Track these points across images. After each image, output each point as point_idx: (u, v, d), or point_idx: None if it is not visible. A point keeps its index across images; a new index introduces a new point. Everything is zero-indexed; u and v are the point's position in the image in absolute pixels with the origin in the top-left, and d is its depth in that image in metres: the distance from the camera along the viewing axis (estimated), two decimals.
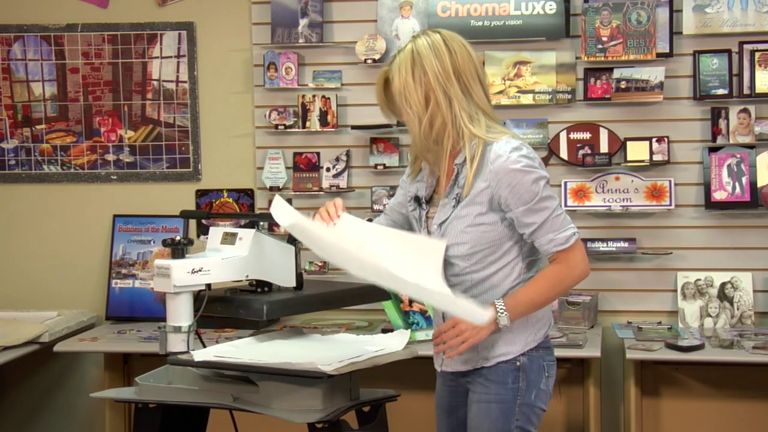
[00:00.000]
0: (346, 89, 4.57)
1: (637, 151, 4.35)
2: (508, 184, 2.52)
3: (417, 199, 2.73)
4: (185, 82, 4.70)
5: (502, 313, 2.54)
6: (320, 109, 4.55)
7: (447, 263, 2.65)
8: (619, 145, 4.39)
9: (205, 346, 2.99)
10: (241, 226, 3.31)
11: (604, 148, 4.39)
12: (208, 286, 2.90)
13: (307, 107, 4.56)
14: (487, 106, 2.62)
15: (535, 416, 2.66)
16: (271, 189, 4.60)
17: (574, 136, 4.42)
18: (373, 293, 3.31)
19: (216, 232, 3.03)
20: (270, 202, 4.58)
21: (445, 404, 2.83)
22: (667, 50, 4.33)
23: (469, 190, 2.58)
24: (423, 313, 4.12)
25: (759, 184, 4.28)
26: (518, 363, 2.63)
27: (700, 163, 4.35)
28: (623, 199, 4.38)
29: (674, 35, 4.33)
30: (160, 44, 4.70)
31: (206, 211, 4.58)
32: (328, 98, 4.54)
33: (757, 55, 4.25)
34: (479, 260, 2.62)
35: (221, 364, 2.84)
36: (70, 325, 4.45)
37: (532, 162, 2.56)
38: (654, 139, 4.34)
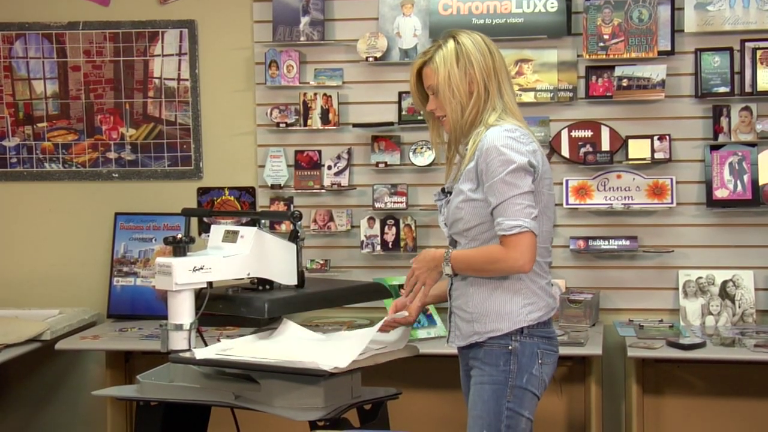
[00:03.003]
0: (347, 87, 4.56)
1: (639, 149, 4.35)
2: (485, 159, 2.66)
3: (443, 190, 2.87)
4: (187, 80, 4.69)
5: (447, 262, 2.72)
6: (322, 107, 4.55)
7: (453, 241, 2.81)
8: (620, 143, 4.39)
9: (206, 344, 3.00)
10: (242, 224, 3.32)
11: (605, 146, 4.39)
12: (210, 284, 2.90)
13: (309, 105, 4.56)
14: (513, 104, 2.80)
15: (527, 401, 2.72)
16: (273, 187, 4.60)
17: (575, 134, 4.42)
18: (374, 291, 3.31)
19: (217, 230, 3.03)
20: (272, 200, 4.60)
21: (463, 387, 2.91)
22: (669, 48, 4.33)
23: (464, 168, 2.73)
24: (424, 311, 4.12)
25: (760, 182, 4.28)
26: (510, 347, 2.71)
27: (701, 161, 4.34)
28: (625, 197, 4.38)
29: (676, 33, 4.33)
30: (162, 42, 4.70)
31: (208, 209, 4.58)
32: (330, 96, 4.54)
33: (758, 53, 4.25)
34: (475, 236, 2.73)
35: (223, 362, 2.84)
36: (72, 323, 4.46)
37: (515, 144, 2.65)
38: (655, 137, 4.34)
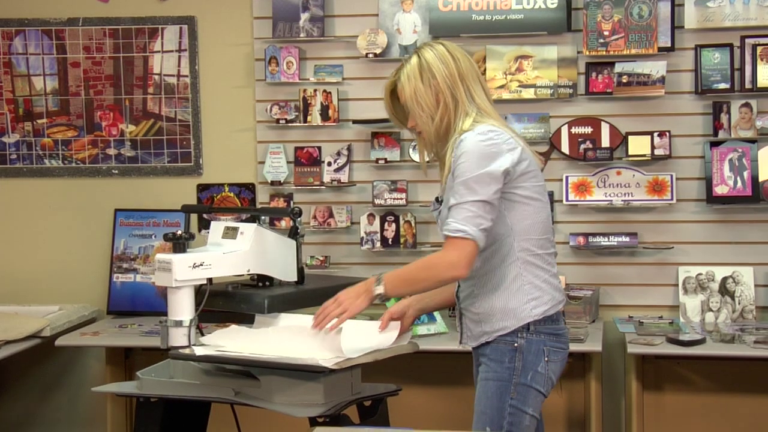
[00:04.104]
0: (347, 83, 4.56)
1: (639, 146, 4.35)
2: (456, 163, 2.66)
3: (437, 200, 2.85)
4: (186, 76, 4.69)
5: (378, 282, 2.70)
6: (321, 103, 4.55)
7: None
8: (620, 140, 4.39)
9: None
10: (242, 221, 3.32)
11: (605, 142, 4.39)
12: (210, 280, 2.90)
13: (309, 101, 4.55)
14: (486, 105, 2.78)
15: (532, 398, 2.71)
16: (273, 183, 4.60)
17: (575, 130, 4.42)
18: None
19: (217, 227, 3.03)
20: (272, 196, 4.60)
21: (475, 384, 2.89)
22: (669, 44, 4.32)
23: (445, 177, 2.72)
24: None
25: (760, 179, 4.28)
26: (516, 344, 2.70)
27: (701, 158, 4.34)
28: (624, 194, 4.38)
29: (676, 29, 4.32)
30: (162, 38, 4.70)
31: (207, 205, 4.58)
32: (330, 92, 4.54)
33: (758, 49, 4.25)
34: None
35: (222, 359, 2.84)
36: (72, 320, 4.46)
37: (486, 150, 2.63)
38: (655, 134, 4.34)
